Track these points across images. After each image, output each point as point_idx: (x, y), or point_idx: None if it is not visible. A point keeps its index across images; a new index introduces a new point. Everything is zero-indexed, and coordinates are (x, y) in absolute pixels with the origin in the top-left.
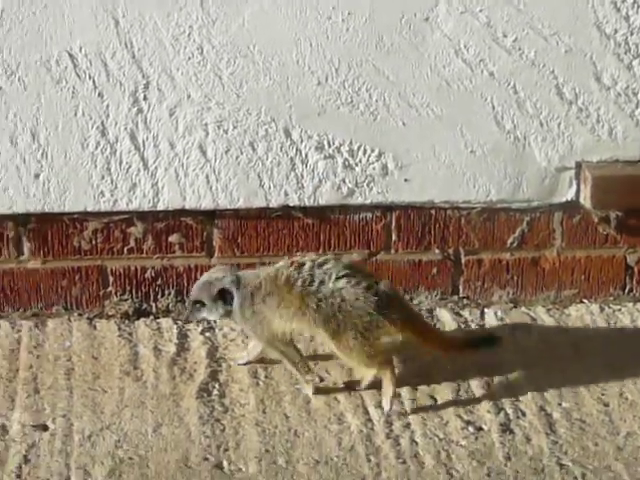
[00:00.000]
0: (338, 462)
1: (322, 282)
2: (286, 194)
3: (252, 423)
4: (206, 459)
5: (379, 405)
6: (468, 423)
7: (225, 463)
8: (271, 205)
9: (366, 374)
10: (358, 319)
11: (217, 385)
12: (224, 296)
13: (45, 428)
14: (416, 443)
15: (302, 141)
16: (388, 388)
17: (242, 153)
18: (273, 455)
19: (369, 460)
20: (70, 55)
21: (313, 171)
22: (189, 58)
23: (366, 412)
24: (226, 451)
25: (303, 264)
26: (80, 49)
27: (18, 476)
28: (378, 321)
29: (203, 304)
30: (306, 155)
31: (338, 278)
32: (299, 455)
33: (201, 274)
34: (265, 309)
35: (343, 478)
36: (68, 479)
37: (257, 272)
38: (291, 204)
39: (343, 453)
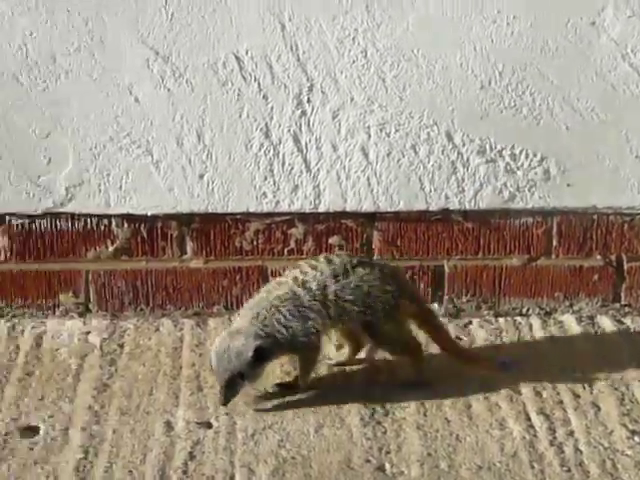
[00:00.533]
0: (501, 468)
1: (338, 276)
2: (447, 197)
3: (413, 426)
4: (368, 461)
5: (541, 412)
6: (634, 433)
7: (387, 466)
8: (431, 208)
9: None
10: (386, 303)
11: (378, 387)
12: (262, 354)
13: (209, 426)
14: (580, 451)
15: (464, 145)
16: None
17: (404, 156)
18: (435, 459)
19: (532, 467)
20: (237, 58)
21: (474, 175)
22: (353, 61)
23: (528, 418)
24: (388, 454)
25: (306, 272)
26: (246, 52)
27: (184, 472)
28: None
29: (242, 376)
30: (467, 159)
31: (354, 267)
32: (461, 460)
33: None
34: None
35: None
36: (233, 477)
37: (258, 312)
38: (451, 207)
39: (506, 459)
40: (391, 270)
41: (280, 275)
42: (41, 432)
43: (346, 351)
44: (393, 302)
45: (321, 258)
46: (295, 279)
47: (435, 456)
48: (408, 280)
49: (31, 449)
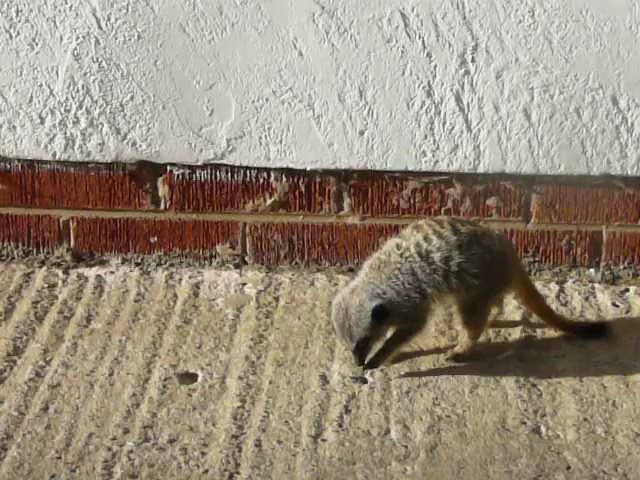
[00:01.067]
0: None
1: (463, 246)
2: (608, 162)
3: (569, 390)
4: (523, 423)
5: None
6: None
7: (543, 428)
8: (592, 173)
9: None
10: (503, 275)
11: (533, 350)
12: (380, 313)
13: (364, 381)
14: None
15: (629, 109)
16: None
17: (567, 119)
18: (592, 424)
19: None
20: (402, 14)
21: (638, 140)
22: (520, 21)
23: None
24: (543, 417)
25: (430, 240)
26: (412, 9)
27: (340, 425)
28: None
29: (368, 339)
30: (632, 124)
31: (479, 238)
32: (618, 426)
33: (517, 239)
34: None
35: None
36: (388, 432)
37: (372, 272)
38: (613, 173)
39: None
40: (507, 241)
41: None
42: (199, 379)
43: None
44: (510, 274)
45: (446, 223)
46: (418, 246)
47: (591, 421)
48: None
49: (189, 395)
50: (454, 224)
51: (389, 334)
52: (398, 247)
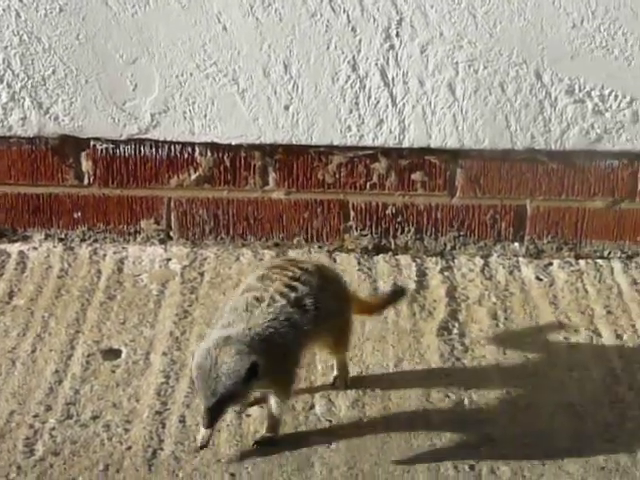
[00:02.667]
0: (580, 410)
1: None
2: (532, 137)
3: (493, 363)
4: (447, 397)
5: (621, 355)
6: None
7: (466, 402)
8: (516, 147)
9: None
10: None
11: (457, 324)
12: (255, 370)
13: None
14: None
15: (552, 84)
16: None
17: (491, 94)
18: (514, 397)
19: (612, 409)
20: None
21: (561, 115)
22: None
23: (609, 360)
24: (467, 390)
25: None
26: None
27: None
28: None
29: (231, 397)
30: (555, 99)
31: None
32: (540, 398)
33: (442, 213)
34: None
35: (586, 425)
36: (312, 407)
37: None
38: (537, 147)
39: (585, 400)
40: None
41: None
42: (123, 355)
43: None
44: (351, 298)
45: (291, 267)
46: (285, 296)
47: (514, 394)
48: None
49: (113, 372)
50: (298, 266)
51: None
52: (259, 300)
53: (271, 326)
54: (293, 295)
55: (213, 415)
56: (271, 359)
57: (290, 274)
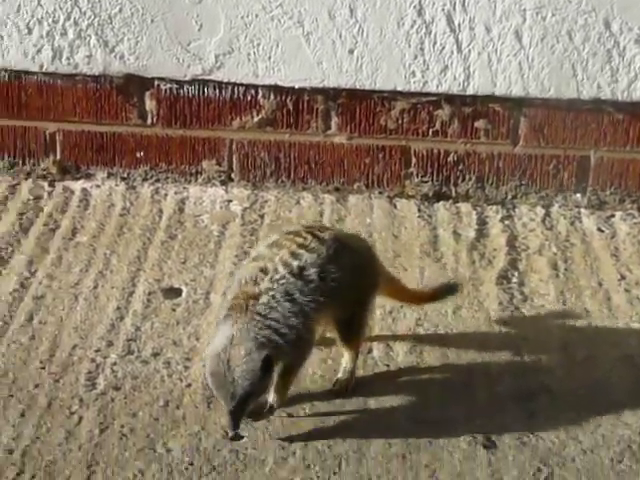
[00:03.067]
0: (639, 362)
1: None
2: (599, 87)
3: (552, 314)
4: (506, 345)
5: None
6: None
7: (525, 351)
8: (582, 97)
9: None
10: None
11: (516, 273)
12: (269, 364)
13: None
14: None
15: (621, 33)
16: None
17: (558, 42)
18: (573, 348)
19: None
20: None
21: (630, 65)
22: None
23: None
24: (525, 339)
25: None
26: None
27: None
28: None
29: (251, 395)
30: (624, 48)
31: (344, 244)
32: (600, 351)
33: (505, 162)
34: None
35: None
36: (370, 351)
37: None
38: (603, 97)
39: None
40: (364, 239)
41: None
42: (183, 294)
43: None
44: (378, 274)
45: (304, 234)
46: (287, 265)
47: (573, 346)
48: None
49: (174, 310)
50: (313, 232)
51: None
52: (264, 271)
53: (273, 307)
54: (296, 264)
55: (237, 417)
56: (280, 345)
57: (300, 241)
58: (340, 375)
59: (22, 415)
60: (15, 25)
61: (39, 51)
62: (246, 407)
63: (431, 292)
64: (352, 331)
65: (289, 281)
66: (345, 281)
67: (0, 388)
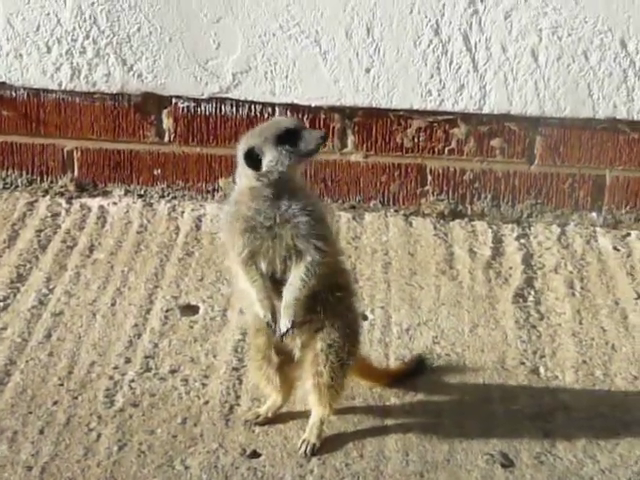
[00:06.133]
0: None
1: None
2: (614, 106)
3: (569, 333)
4: (522, 363)
5: None
6: None
7: (542, 369)
8: (598, 116)
9: None
10: None
11: (532, 292)
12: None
13: (364, 318)
14: None
15: (637, 53)
16: None
17: (574, 61)
18: (590, 366)
19: None
20: None
21: None
22: None
23: None
24: (542, 358)
25: None
26: None
27: None
28: None
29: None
30: None
31: None
32: (617, 369)
33: (520, 181)
34: None
35: None
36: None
37: None
38: (618, 117)
39: None
40: None
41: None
42: (200, 311)
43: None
44: None
45: None
46: None
47: (590, 364)
48: None
49: (191, 327)
50: None
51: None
52: None
53: None
54: None
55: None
56: None
57: None
58: (306, 433)
59: (41, 432)
60: (34, 44)
61: (58, 69)
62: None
63: (401, 368)
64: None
65: None
66: None
67: (19, 405)
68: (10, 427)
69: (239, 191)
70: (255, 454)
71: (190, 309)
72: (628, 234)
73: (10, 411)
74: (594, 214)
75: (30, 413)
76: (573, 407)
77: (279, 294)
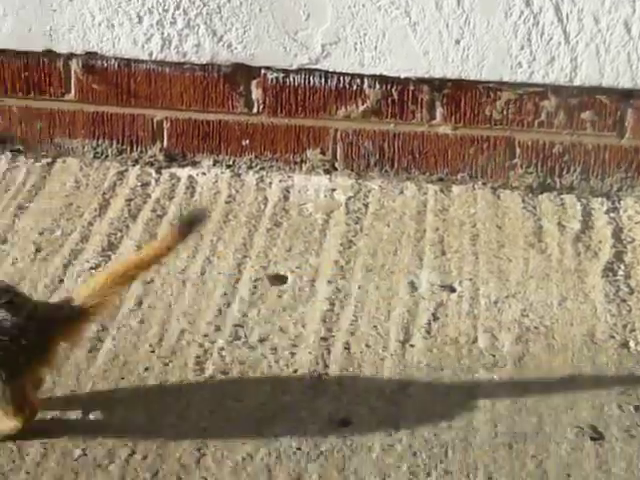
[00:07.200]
0: None
1: None
2: None
3: None
4: (612, 337)
5: None
6: None
7: (632, 343)
8: None
9: None
10: None
11: (622, 266)
12: None
13: (452, 290)
14: None
15: None
16: None
17: None
18: None
19: None
20: None
21: None
22: None
23: None
24: (632, 332)
25: None
26: None
27: (427, 332)
28: None
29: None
30: None
31: None
32: None
33: (610, 154)
34: None
35: None
36: (475, 340)
37: None
38: None
39: None
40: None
41: None
42: (289, 281)
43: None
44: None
45: None
46: None
47: None
48: None
49: (280, 297)
50: None
51: None
52: None
53: None
54: None
55: None
56: None
57: None
58: None
59: (133, 397)
60: (126, 14)
61: (149, 40)
62: None
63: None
64: None
65: None
66: None
67: (111, 371)
68: (103, 392)
69: None
70: (344, 422)
71: (278, 279)
72: None
73: (103, 376)
74: None
75: (122, 379)
76: None
77: None
